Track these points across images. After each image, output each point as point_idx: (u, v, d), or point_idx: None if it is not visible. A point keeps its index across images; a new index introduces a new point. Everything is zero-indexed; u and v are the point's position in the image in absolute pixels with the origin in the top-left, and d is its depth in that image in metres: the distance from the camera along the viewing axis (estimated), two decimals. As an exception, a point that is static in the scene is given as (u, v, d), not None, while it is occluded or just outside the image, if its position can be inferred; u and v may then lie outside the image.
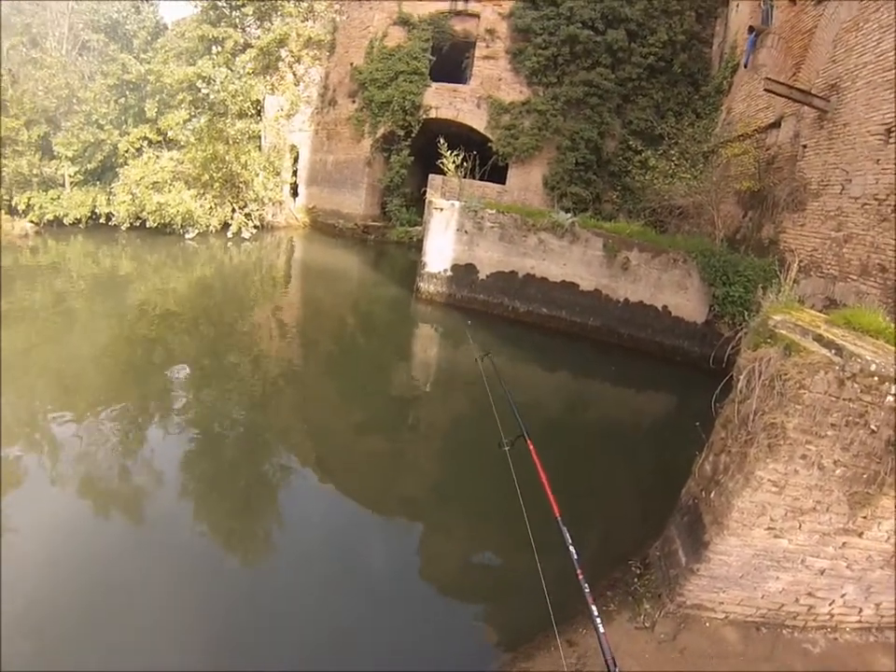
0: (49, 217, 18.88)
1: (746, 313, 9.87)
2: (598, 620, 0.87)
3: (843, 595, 4.16)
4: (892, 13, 8.09)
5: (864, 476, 3.71)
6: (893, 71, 7.99)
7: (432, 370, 10.63)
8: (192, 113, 20.01)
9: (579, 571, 1.06)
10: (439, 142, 15.52)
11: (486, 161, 18.64)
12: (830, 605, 4.19)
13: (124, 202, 18.47)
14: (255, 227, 20.20)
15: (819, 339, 3.82)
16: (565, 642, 3.78)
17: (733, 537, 3.94)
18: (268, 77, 22.27)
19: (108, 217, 19.23)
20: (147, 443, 6.51)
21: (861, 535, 3.93)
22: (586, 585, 1.02)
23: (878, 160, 8.18)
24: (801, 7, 11.30)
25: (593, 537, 5.57)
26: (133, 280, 13.82)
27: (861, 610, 4.25)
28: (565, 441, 7.51)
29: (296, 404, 8.22)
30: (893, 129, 7.92)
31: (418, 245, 16.90)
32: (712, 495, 4.19)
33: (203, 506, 5.56)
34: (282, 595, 4.52)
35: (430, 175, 19.76)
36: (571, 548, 1.19)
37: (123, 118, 20.75)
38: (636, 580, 4.60)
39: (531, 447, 2.07)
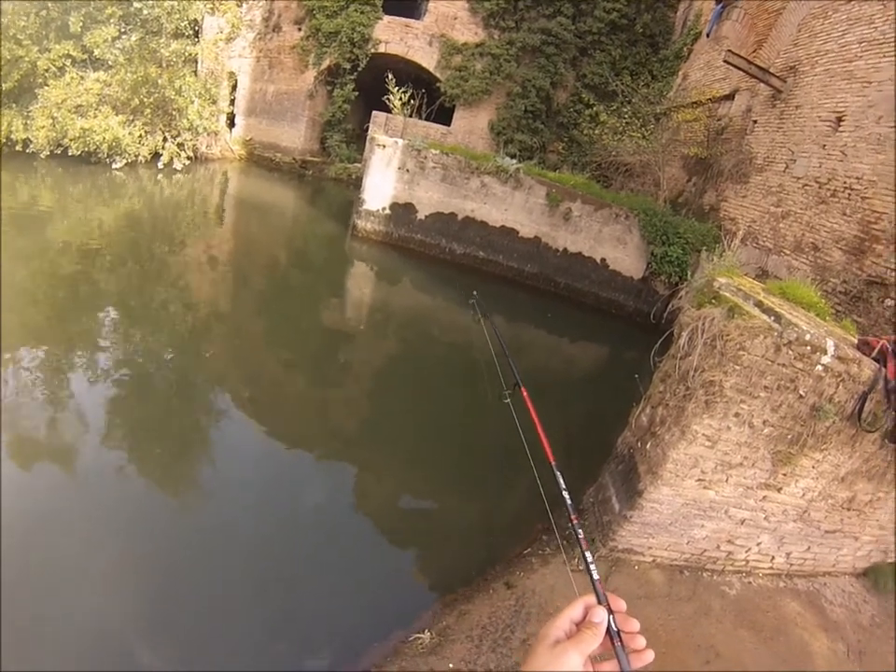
0: (-45, 142, 16.78)
1: (682, 273, 10.24)
2: (593, 567, 0.86)
3: (759, 544, 4.50)
4: (862, 8, 8.24)
5: (788, 437, 3.95)
6: (853, 63, 8.21)
7: (366, 308, 10.47)
8: (122, 30, 18.00)
9: (573, 517, 1.05)
10: (386, 77, 14.82)
11: (433, 102, 18.14)
12: (746, 552, 4.53)
13: (43, 126, 16.63)
14: (188, 158, 18.85)
15: (759, 305, 3.97)
16: (503, 584, 3.92)
17: (666, 486, 4.14)
18: (208, -6, 20.49)
19: (25, 143, 17.14)
20: (72, 387, 6.08)
21: (779, 490, 4.21)
22: (580, 531, 1.01)
23: (825, 145, 8.49)
24: (772, -14, 11.31)
25: (526, 482, 5.74)
26: (54, 213, 12.64)
27: (773, 558, 4.62)
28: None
29: (226, 343, 7.88)
30: (844, 118, 8.20)
31: (356, 183, 16.47)
32: (648, 445, 4.37)
33: (131, 449, 5.27)
34: (217, 536, 4.42)
35: (374, 112, 19.04)
36: (565, 493, 1.17)
37: (44, 32, 18.13)
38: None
39: (525, 395, 2.07)
